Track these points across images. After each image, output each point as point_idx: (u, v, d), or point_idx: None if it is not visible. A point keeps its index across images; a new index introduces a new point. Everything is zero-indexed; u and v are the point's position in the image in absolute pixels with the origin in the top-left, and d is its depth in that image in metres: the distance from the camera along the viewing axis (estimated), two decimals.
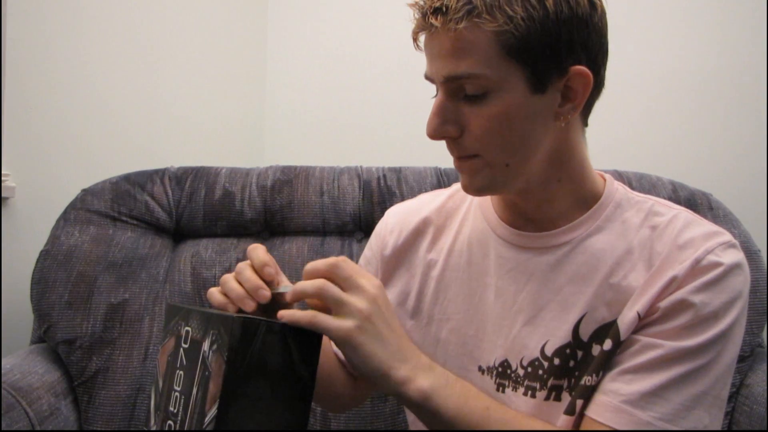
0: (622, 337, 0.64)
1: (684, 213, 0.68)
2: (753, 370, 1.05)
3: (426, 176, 1.24)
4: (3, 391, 0.93)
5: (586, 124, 0.71)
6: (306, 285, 0.57)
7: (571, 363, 0.66)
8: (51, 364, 1.08)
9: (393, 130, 1.75)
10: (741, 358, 1.06)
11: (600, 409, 0.62)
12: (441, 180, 1.23)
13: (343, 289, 0.57)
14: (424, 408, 0.57)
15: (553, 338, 0.67)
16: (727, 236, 0.65)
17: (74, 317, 1.10)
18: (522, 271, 0.70)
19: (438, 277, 0.76)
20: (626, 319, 0.64)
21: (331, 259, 0.58)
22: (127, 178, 1.23)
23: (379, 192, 1.23)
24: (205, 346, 0.55)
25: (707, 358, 0.61)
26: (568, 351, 0.67)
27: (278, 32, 1.88)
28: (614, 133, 1.60)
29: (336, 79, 1.82)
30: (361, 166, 1.28)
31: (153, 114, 1.53)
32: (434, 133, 0.64)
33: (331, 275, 0.58)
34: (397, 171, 1.26)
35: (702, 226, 0.66)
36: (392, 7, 1.78)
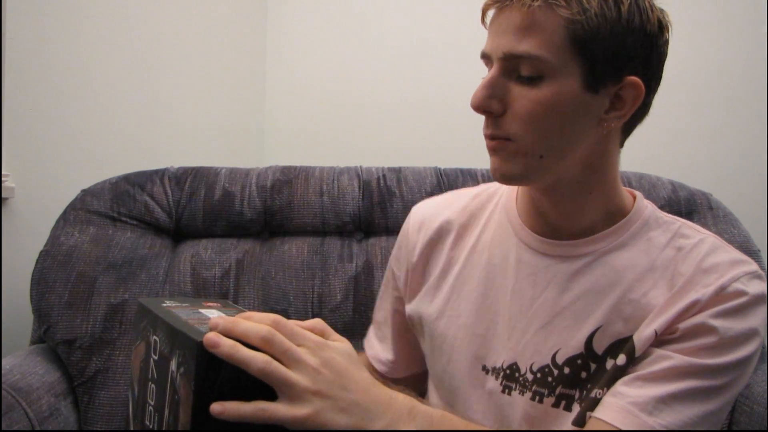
0: (637, 353, 0.63)
1: (711, 238, 0.68)
2: (753, 370, 1.05)
3: (426, 176, 1.24)
4: (3, 392, 0.93)
5: (622, 145, 0.70)
6: (250, 359, 0.49)
7: (583, 374, 0.66)
8: (51, 364, 1.08)
9: (393, 130, 1.75)
10: None
11: (606, 409, 0.61)
12: (441, 180, 1.23)
13: (284, 365, 0.51)
14: None
15: (565, 347, 0.67)
16: (753, 266, 0.65)
17: (74, 317, 1.10)
18: (541, 277, 0.70)
19: (457, 274, 0.77)
20: (643, 335, 0.63)
21: (263, 331, 0.50)
22: (127, 179, 1.23)
23: (379, 192, 1.23)
24: (173, 365, 0.50)
25: (724, 380, 0.61)
26: (579, 362, 0.66)
27: (278, 33, 1.88)
28: None
29: (336, 80, 1.82)
30: (360, 166, 1.28)
31: (153, 114, 1.53)
32: (479, 104, 0.63)
33: (268, 350, 0.51)
34: (397, 171, 1.26)
35: (729, 253, 0.66)
36: (392, 7, 1.78)
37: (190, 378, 0.47)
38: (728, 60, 1.54)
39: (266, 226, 1.24)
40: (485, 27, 0.66)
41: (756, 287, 0.63)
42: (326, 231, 1.23)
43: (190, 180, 1.24)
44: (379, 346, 0.88)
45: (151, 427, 0.53)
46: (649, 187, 1.18)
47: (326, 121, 1.82)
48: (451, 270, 0.78)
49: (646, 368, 0.62)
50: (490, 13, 0.65)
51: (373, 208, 1.22)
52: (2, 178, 1.19)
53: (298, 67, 1.86)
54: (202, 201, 1.23)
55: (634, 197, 0.72)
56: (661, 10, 0.66)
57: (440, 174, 1.24)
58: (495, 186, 0.81)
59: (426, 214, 0.83)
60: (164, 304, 0.57)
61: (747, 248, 1.11)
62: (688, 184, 1.20)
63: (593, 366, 0.66)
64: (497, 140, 0.64)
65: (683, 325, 0.62)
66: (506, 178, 0.66)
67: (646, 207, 0.71)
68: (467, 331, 0.74)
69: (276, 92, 1.88)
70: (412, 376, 0.86)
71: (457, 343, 0.74)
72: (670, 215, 0.72)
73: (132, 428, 0.57)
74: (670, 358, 0.61)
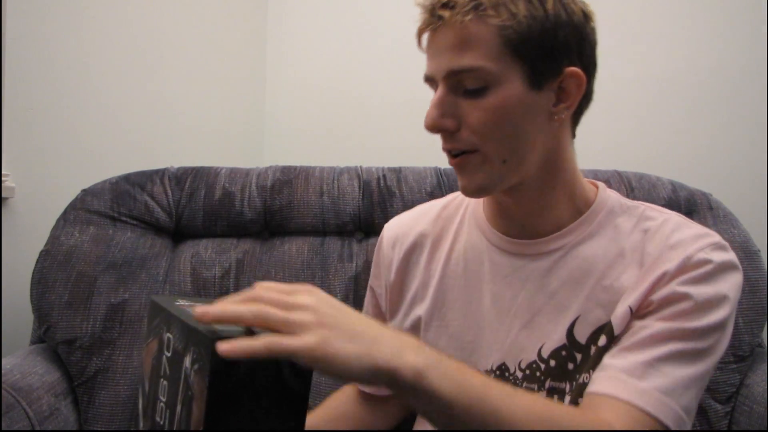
0: (616, 332, 0.65)
1: (675, 217, 0.70)
2: (753, 370, 1.05)
3: (426, 176, 1.24)
4: (3, 392, 0.93)
5: (574, 135, 0.72)
6: (242, 310, 0.48)
7: (570, 365, 0.67)
8: (51, 364, 1.08)
9: (393, 130, 1.75)
10: (741, 358, 1.06)
11: (597, 382, 0.61)
12: (441, 180, 1.23)
13: (287, 333, 0.49)
14: (419, 390, 0.49)
15: (549, 341, 0.68)
16: (717, 238, 0.67)
17: (74, 317, 1.10)
18: (517, 277, 0.71)
19: (436, 286, 0.78)
20: (618, 314, 0.65)
21: (254, 309, 0.48)
22: (127, 179, 1.23)
23: (379, 192, 1.23)
24: (187, 362, 0.49)
25: (706, 343, 0.62)
26: (564, 353, 0.68)
27: (278, 32, 1.88)
28: (614, 133, 1.60)
29: (336, 79, 1.82)
30: (360, 166, 1.28)
31: (153, 114, 1.53)
32: (432, 125, 0.65)
33: (266, 326, 0.49)
34: (397, 171, 1.26)
35: (692, 228, 0.68)
36: (392, 7, 1.78)
37: (205, 374, 0.47)
38: (728, 60, 1.54)
39: (266, 226, 1.24)
40: (423, 51, 0.68)
41: (720, 256, 0.65)
42: (326, 231, 1.23)
43: (190, 180, 1.24)
44: None
45: (161, 423, 0.53)
46: (649, 187, 1.18)
47: (326, 121, 1.82)
48: (430, 282, 0.78)
49: (629, 339, 0.63)
50: (425, 36, 0.67)
51: (373, 208, 1.22)
52: (2, 178, 1.19)
53: (298, 67, 1.86)
54: (202, 201, 1.23)
55: (597, 188, 0.74)
56: (583, 2, 0.68)
57: (440, 174, 1.24)
58: (461, 195, 0.83)
59: (399, 230, 0.84)
60: (177, 303, 0.57)
61: (747, 248, 1.11)
62: (688, 184, 1.20)
63: (579, 356, 0.67)
64: (461, 156, 0.66)
65: (656, 296, 0.63)
66: (477, 191, 0.68)
67: (610, 196, 0.73)
68: (456, 339, 0.75)
69: (276, 92, 1.88)
70: None
71: (449, 353, 0.74)
72: (633, 201, 0.74)
73: (142, 424, 0.57)
74: (650, 326, 0.62)
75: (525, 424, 0.52)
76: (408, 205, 1.21)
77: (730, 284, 0.65)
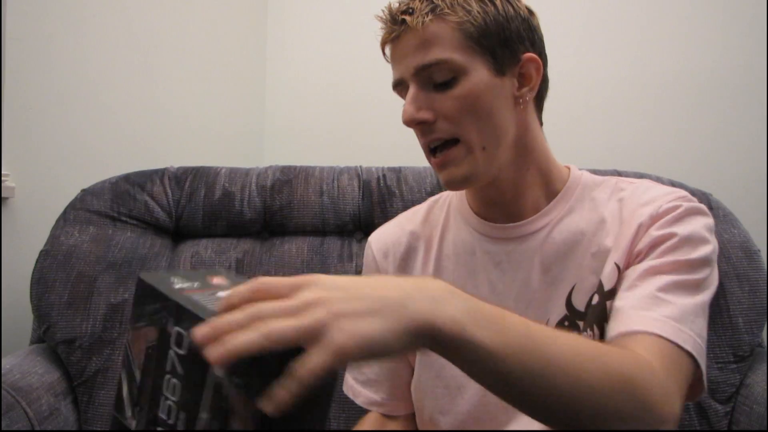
0: (606, 288, 0.68)
1: (646, 181, 0.75)
2: (753, 370, 1.05)
3: (426, 176, 1.24)
4: (3, 391, 0.93)
5: (541, 122, 0.76)
6: (253, 338, 0.41)
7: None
8: (51, 364, 1.08)
9: (393, 130, 1.74)
10: (741, 358, 1.06)
11: (614, 325, 0.63)
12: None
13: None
14: (461, 342, 0.45)
15: (552, 315, 0.71)
16: (684, 193, 0.71)
17: (74, 317, 1.10)
18: (510, 262, 0.74)
19: None
20: (606, 272, 0.68)
21: (257, 340, 0.41)
22: (127, 179, 1.23)
23: (379, 192, 1.23)
24: (218, 371, 0.43)
25: (700, 275, 0.64)
26: (566, 323, 0.70)
27: (278, 33, 1.88)
28: (614, 133, 1.60)
29: (336, 80, 1.82)
30: (360, 166, 1.28)
31: (153, 114, 1.53)
32: (411, 119, 0.69)
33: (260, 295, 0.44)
34: (397, 171, 1.26)
35: (663, 187, 0.72)
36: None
37: (252, 394, 0.41)
38: (728, 60, 1.54)
39: (266, 225, 1.24)
40: (388, 61, 0.72)
41: (688, 203, 0.69)
42: (326, 231, 1.23)
43: (190, 180, 1.24)
44: (366, 391, 0.86)
45: (171, 422, 0.49)
46: None
47: (326, 121, 1.82)
48: None
49: (627, 281, 0.65)
50: (388, 47, 0.71)
51: (373, 208, 1.22)
52: (2, 178, 1.19)
53: (298, 67, 1.86)
54: (202, 201, 1.23)
55: (569, 169, 0.78)
56: (525, 2, 0.74)
57: None
58: (444, 196, 0.86)
59: (388, 239, 0.84)
60: (177, 286, 0.52)
61: (747, 248, 1.11)
62: (688, 184, 1.20)
63: (581, 324, 0.69)
64: (443, 151, 0.69)
65: (639, 247, 0.67)
66: (462, 182, 0.70)
67: (582, 173, 0.77)
68: None
69: (276, 92, 1.88)
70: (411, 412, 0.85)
71: None
72: (604, 176, 0.78)
73: (130, 413, 0.53)
74: (644, 266, 0.65)
75: (574, 364, 0.49)
76: (408, 205, 1.21)
77: (703, 224, 0.68)
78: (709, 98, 1.56)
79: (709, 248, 0.66)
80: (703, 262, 0.65)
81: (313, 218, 1.22)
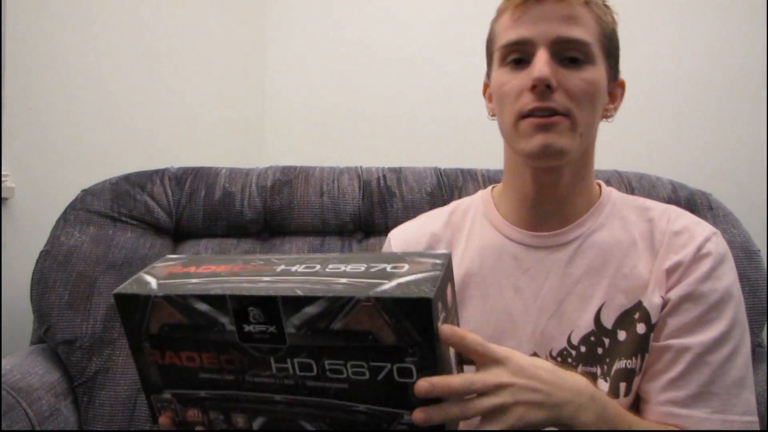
0: (653, 320, 0.70)
1: (672, 206, 0.77)
2: (753, 370, 1.05)
3: (426, 176, 1.24)
4: (3, 392, 0.93)
5: None
6: (453, 412, 0.51)
7: (600, 350, 0.71)
8: (51, 364, 1.08)
9: (393, 130, 1.75)
10: None
11: (656, 411, 0.68)
12: (441, 180, 1.23)
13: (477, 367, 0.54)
14: None
15: (577, 328, 0.72)
16: (714, 230, 0.74)
17: (74, 318, 1.10)
18: (540, 269, 0.75)
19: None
20: (653, 303, 0.70)
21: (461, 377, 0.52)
22: (127, 179, 1.23)
23: (379, 192, 1.23)
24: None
25: (732, 343, 0.67)
26: (593, 339, 0.72)
27: (278, 32, 1.88)
28: (614, 133, 1.60)
29: (336, 79, 1.82)
30: (361, 166, 1.28)
31: (153, 114, 1.53)
32: (545, 77, 0.67)
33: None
34: (397, 171, 1.26)
35: (689, 217, 0.76)
36: (392, 6, 1.78)
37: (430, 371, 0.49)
38: (728, 60, 1.54)
39: (266, 226, 1.24)
40: (512, 15, 0.71)
41: (723, 245, 0.73)
42: (326, 231, 1.23)
43: (190, 180, 1.24)
44: None
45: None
46: (649, 187, 1.18)
47: (326, 121, 1.82)
48: None
49: (673, 368, 0.68)
50: (526, 5, 0.70)
51: (373, 208, 1.22)
52: (2, 178, 1.19)
53: (298, 67, 1.86)
54: (202, 201, 1.23)
55: (599, 184, 0.81)
56: None
57: (440, 174, 1.24)
58: (466, 201, 0.86)
59: (409, 236, 0.84)
60: (187, 285, 0.54)
61: (747, 248, 1.11)
62: (688, 184, 1.20)
63: (607, 341, 0.71)
64: (554, 116, 0.68)
65: (674, 294, 0.69)
66: (557, 151, 0.69)
67: (612, 191, 0.80)
68: (478, 334, 0.75)
69: (276, 92, 1.87)
70: None
71: None
72: (629, 195, 0.81)
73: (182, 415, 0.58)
74: (686, 350, 0.67)
75: None
76: (408, 205, 1.21)
77: (733, 269, 0.72)
78: (709, 98, 1.56)
79: (739, 299, 0.70)
80: (733, 326, 0.68)
81: (313, 218, 1.22)
